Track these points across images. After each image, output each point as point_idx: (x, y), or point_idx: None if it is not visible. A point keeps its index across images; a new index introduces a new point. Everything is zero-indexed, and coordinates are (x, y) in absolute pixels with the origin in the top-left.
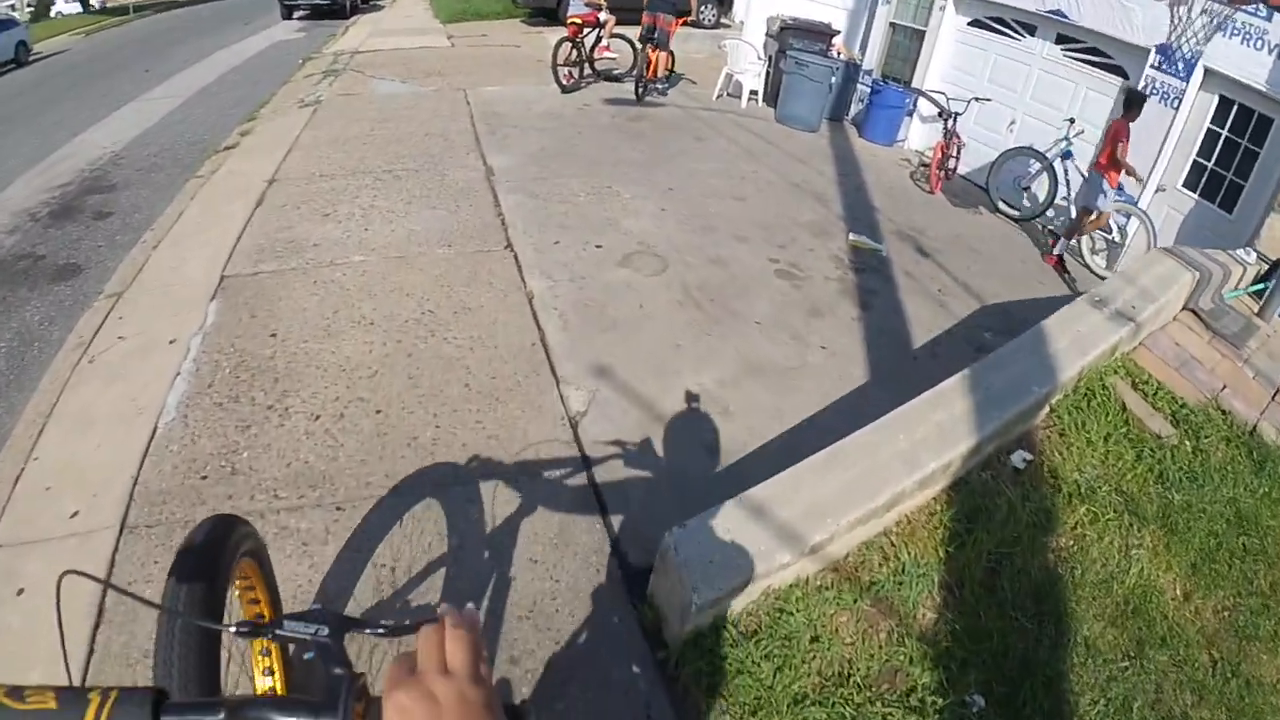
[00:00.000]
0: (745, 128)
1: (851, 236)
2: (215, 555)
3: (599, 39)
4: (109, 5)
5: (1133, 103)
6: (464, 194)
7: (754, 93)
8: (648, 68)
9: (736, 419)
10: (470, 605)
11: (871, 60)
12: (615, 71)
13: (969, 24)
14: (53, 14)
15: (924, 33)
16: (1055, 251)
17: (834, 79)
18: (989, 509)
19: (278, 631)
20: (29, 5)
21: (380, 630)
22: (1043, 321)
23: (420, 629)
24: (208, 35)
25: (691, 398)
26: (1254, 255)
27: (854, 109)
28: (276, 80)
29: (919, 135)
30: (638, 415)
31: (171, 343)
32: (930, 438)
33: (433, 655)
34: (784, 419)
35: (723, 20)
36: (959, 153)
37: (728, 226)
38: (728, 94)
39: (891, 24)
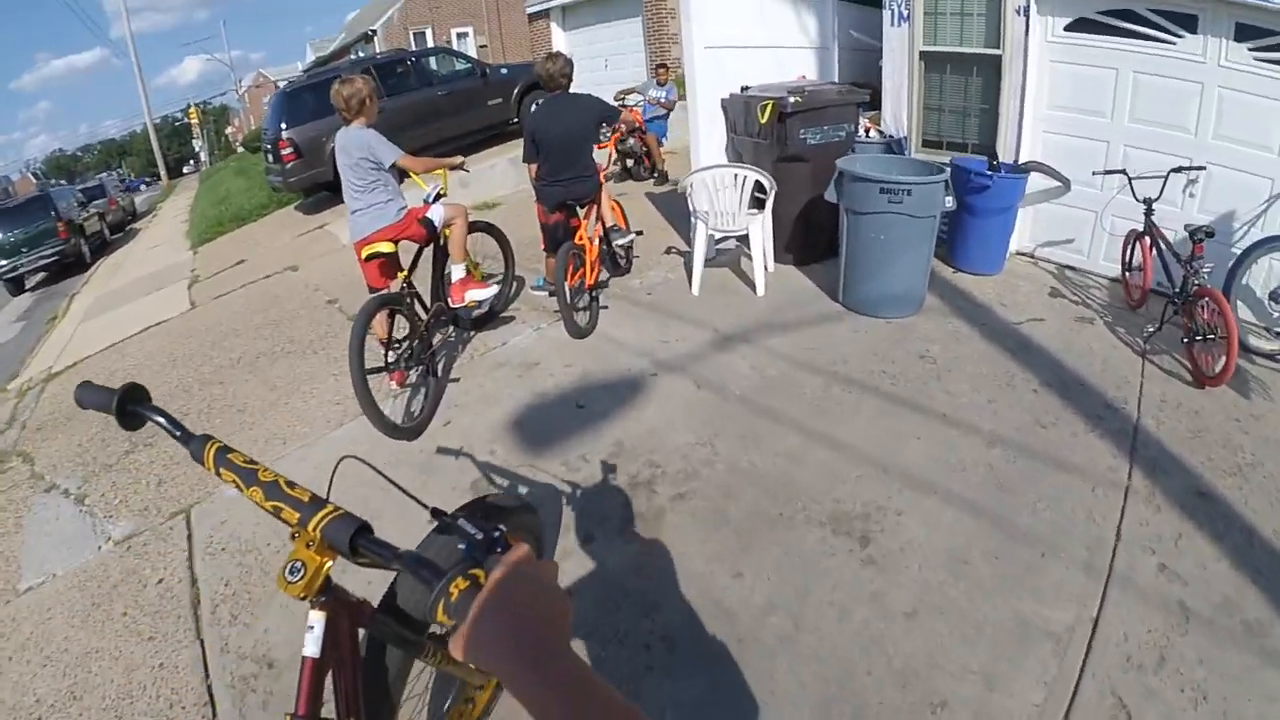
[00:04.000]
0: (843, 376)
1: None
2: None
3: (444, 264)
4: None
5: None
6: None
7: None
8: (583, 273)
9: None
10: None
11: (899, 124)
12: (486, 307)
13: (1068, 28)
14: None
15: (997, 59)
16: None
17: (948, 198)
18: None
19: (456, 522)
20: None
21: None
22: None
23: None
24: None
25: None
26: None
27: None
28: None
29: (1021, 235)
30: None
31: None
32: None
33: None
34: None
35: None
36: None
37: None
38: (706, 263)
39: (923, 55)
